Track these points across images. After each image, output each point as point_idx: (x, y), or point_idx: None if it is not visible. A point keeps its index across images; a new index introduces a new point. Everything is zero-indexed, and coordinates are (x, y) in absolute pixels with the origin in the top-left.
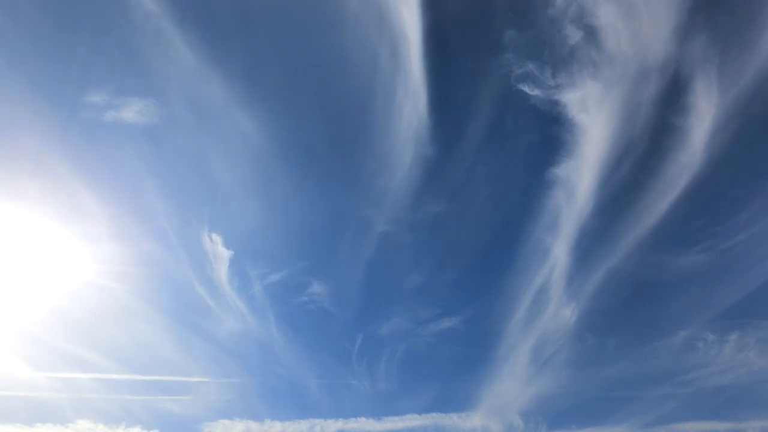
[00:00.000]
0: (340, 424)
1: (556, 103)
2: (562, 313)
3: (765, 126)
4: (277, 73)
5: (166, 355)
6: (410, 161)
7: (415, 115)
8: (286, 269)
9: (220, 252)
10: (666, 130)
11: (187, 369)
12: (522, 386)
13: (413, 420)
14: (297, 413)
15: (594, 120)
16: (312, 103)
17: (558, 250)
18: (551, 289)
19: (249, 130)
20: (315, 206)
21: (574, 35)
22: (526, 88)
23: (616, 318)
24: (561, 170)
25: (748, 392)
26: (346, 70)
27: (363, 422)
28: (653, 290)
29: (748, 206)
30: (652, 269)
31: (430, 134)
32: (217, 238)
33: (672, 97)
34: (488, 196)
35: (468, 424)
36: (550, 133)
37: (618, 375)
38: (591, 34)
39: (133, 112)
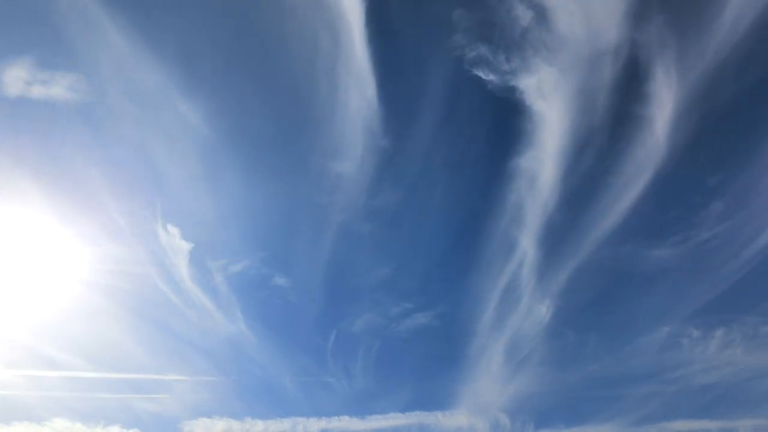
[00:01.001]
0: (323, 423)
1: (513, 90)
2: (537, 308)
3: (728, 113)
4: (216, 62)
5: (136, 354)
6: (362, 150)
7: (363, 102)
8: (246, 261)
9: (178, 245)
10: (627, 119)
11: (159, 367)
12: (504, 384)
13: (397, 419)
14: (277, 412)
15: (552, 108)
16: (255, 93)
17: (525, 242)
18: (523, 283)
19: (194, 121)
20: (268, 196)
21: (525, 16)
22: (480, 73)
23: (595, 313)
24: (522, 160)
25: (735, 390)
26: (287, 57)
27: (346, 421)
28: (631, 285)
29: (722, 196)
30: (626, 263)
31: (382, 122)
32: (174, 230)
33: (630, 84)
34: (448, 186)
35: (453, 423)
36: (509, 121)
37: (602, 373)
38: (542, 15)
39: (62, 87)
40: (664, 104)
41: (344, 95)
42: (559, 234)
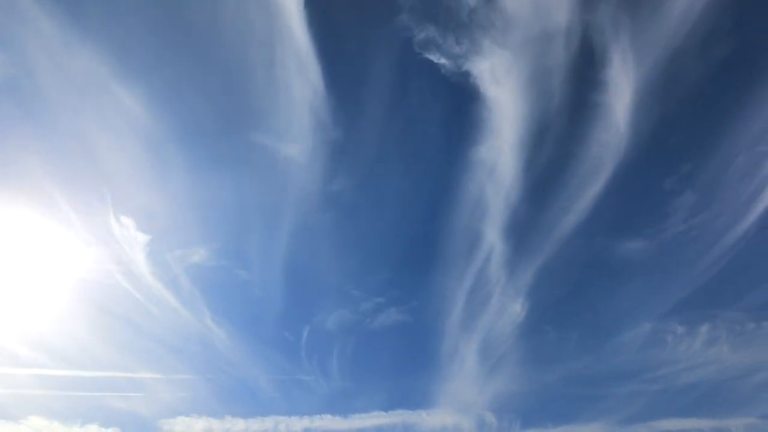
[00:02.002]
0: (305, 422)
1: (466, 75)
2: (511, 305)
3: (690, 99)
4: (154, 50)
5: (104, 352)
6: (313, 139)
7: (309, 89)
8: (203, 252)
9: (134, 237)
10: (585, 106)
11: (129, 365)
12: (486, 381)
13: (380, 417)
14: (255, 410)
15: (507, 94)
16: (195, 82)
17: (491, 234)
18: (493, 278)
19: (135, 111)
20: (218, 186)
21: None
22: (432, 57)
23: (574, 309)
24: (480, 150)
25: (723, 389)
26: (224, 43)
27: (329, 420)
28: (608, 279)
29: (693, 186)
30: (600, 256)
31: (331, 110)
32: (128, 222)
33: (586, 70)
34: (405, 175)
35: (438, 421)
36: (464, 108)
37: (587, 371)
38: None
39: None
40: (622, 91)
41: (287, 83)
42: (525, 226)
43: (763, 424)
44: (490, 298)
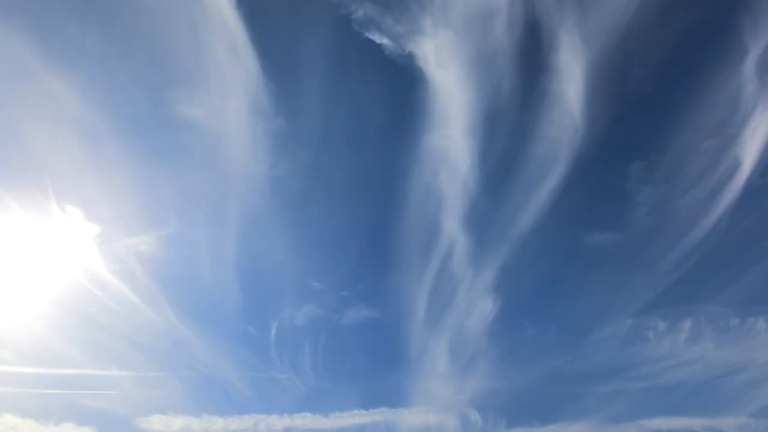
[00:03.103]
0: (286, 420)
1: (411, 57)
2: (482, 299)
3: (645, 83)
4: (85, 40)
5: (69, 349)
6: (254, 129)
7: (243, 74)
8: (155, 243)
9: (82, 227)
10: (536, 93)
11: (98, 363)
12: (466, 379)
13: (362, 416)
14: (233, 408)
15: (454, 79)
16: (126, 70)
17: (450, 226)
18: (458, 271)
19: (70, 101)
20: (159, 174)
21: None
22: (373, 37)
23: (550, 304)
24: (433, 138)
25: (709, 388)
26: (152, 30)
27: (310, 418)
28: (581, 273)
29: (658, 175)
30: (568, 249)
31: (271, 96)
32: (74, 212)
33: (533, 55)
34: (354, 165)
35: (421, 420)
36: (411, 93)
37: (570, 368)
38: None
39: None
40: (573, 76)
41: (220, 68)
42: (485, 217)
43: (755, 423)
44: (457, 292)
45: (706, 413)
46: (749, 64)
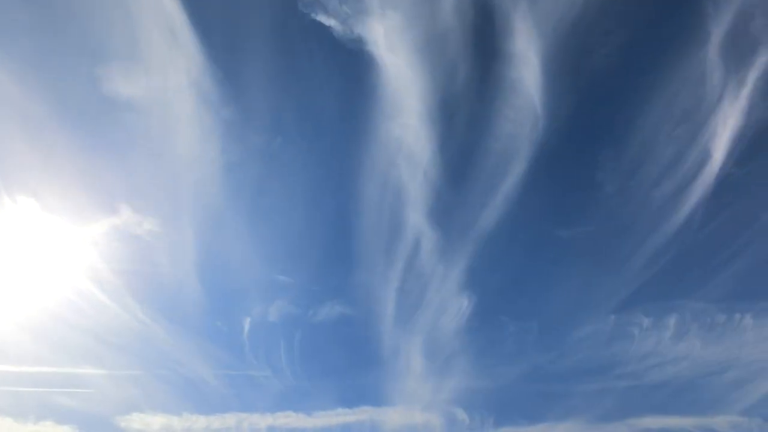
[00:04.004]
0: (269, 419)
1: (360, 41)
2: (457, 297)
3: (607, 68)
4: (14, 24)
5: (39, 347)
6: (202, 122)
7: (183, 57)
8: (107, 230)
9: (38, 218)
10: (492, 80)
11: (70, 361)
12: (450, 377)
13: (346, 415)
14: (212, 407)
15: (407, 65)
16: (60, 60)
17: (414, 218)
18: (428, 266)
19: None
20: (107, 163)
21: None
22: (319, 18)
23: (530, 300)
24: (390, 127)
25: (697, 386)
26: (85, 17)
27: (293, 417)
28: (557, 267)
29: (627, 165)
30: (541, 242)
31: (217, 85)
32: (27, 202)
33: (487, 39)
34: (310, 155)
35: (406, 418)
36: (364, 80)
37: (555, 367)
38: None
39: None
40: (530, 63)
41: (159, 56)
42: (451, 209)
43: (749, 422)
44: (430, 288)
45: (696, 412)
46: (713, 50)
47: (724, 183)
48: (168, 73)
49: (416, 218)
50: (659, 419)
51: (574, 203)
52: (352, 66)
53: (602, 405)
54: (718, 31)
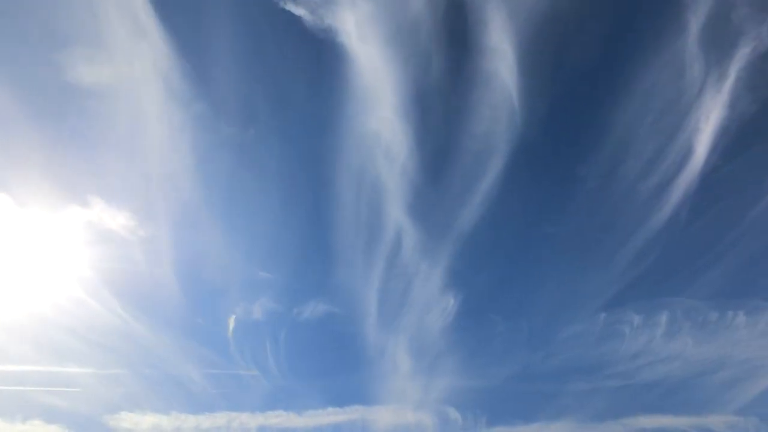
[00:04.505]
0: (259, 419)
1: (331, 31)
2: (446, 294)
3: (586, 61)
4: None
5: (22, 345)
6: (170, 116)
7: (151, 52)
8: (84, 226)
9: (9, 212)
10: (467, 73)
11: (54, 360)
12: (440, 376)
13: (336, 414)
14: (201, 406)
15: (379, 55)
16: (16, 41)
17: (395, 215)
18: (411, 263)
19: None
20: (78, 152)
21: None
22: (289, 7)
23: (516, 298)
24: (365, 120)
25: (690, 386)
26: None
27: (284, 416)
28: (543, 264)
29: (608, 160)
30: (526, 239)
31: (186, 79)
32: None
33: (460, 31)
34: (286, 149)
35: (398, 417)
36: (337, 71)
37: (546, 366)
38: None
39: None
40: (505, 56)
41: (126, 49)
42: (432, 206)
43: (744, 421)
44: (415, 286)
45: (691, 411)
46: (692, 41)
47: (711, 178)
48: (133, 61)
49: (397, 215)
50: (654, 419)
51: (556, 198)
52: (324, 57)
53: (595, 404)
54: (696, 21)
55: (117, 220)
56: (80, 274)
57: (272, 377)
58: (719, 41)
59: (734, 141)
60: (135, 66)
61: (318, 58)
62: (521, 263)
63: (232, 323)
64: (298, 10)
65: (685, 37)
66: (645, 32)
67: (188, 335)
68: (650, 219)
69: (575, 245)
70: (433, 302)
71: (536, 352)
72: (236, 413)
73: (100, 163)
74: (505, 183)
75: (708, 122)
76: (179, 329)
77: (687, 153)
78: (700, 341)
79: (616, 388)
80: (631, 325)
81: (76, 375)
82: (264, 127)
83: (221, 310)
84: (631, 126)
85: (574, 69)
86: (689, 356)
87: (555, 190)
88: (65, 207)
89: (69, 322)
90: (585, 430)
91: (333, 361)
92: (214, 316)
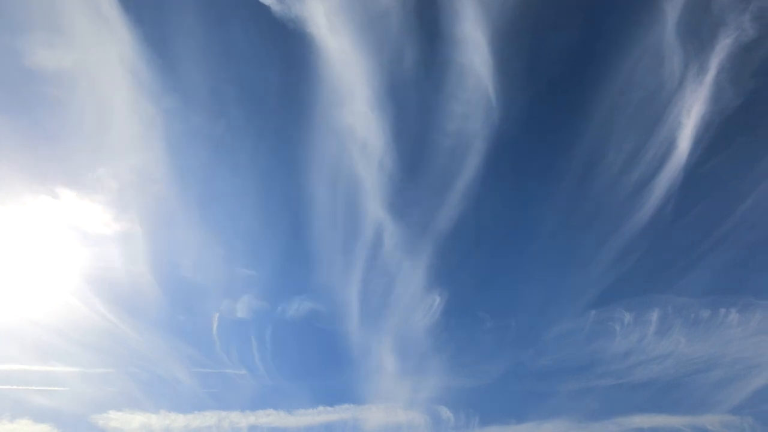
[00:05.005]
0: (250, 418)
1: (300, 21)
2: (431, 293)
3: (553, 55)
4: None
5: (6, 347)
6: (136, 111)
7: (116, 43)
8: (60, 223)
9: None
10: (442, 66)
11: (40, 359)
12: (429, 376)
13: (327, 413)
14: (190, 405)
15: (351, 47)
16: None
17: (375, 213)
18: (392, 261)
19: None
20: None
21: None
22: None
23: (503, 296)
24: (339, 114)
25: (685, 384)
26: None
27: (274, 415)
28: (528, 260)
29: (591, 148)
30: (508, 235)
31: (154, 70)
32: None
33: (432, 22)
34: (258, 142)
35: (390, 417)
36: (307, 63)
37: (537, 365)
38: None
39: None
40: (479, 48)
41: (90, 37)
42: (412, 203)
43: (740, 420)
44: (396, 283)
45: (685, 410)
46: (670, 31)
47: (696, 173)
48: (97, 50)
49: (377, 212)
50: (649, 418)
51: (538, 193)
52: (294, 48)
53: (589, 403)
54: (674, 10)
55: (90, 213)
56: (56, 270)
57: (260, 376)
58: (698, 32)
59: (718, 135)
60: (99, 55)
61: (288, 48)
62: (506, 260)
63: (216, 321)
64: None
65: (662, 27)
66: (621, 22)
67: (172, 334)
68: (634, 214)
69: (559, 240)
70: (419, 300)
71: (527, 350)
72: (226, 412)
73: (69, 153)
74: (485, 178)
75: (690, 117)
76: (163, 328)
77: (670, 147)
78: (693, 339)
79: (609, 387)
80: (622, 322)
81: (62, 374)
82: (236, 121)
83: (204, 308)
84: (610, 120)
85: (549, 60)
86: (682, 355)
87: (536, 184)
88: (34, 199)
89: (51, 321)
90: (579, 429)
91: (321, 360)
92: (197, 314)
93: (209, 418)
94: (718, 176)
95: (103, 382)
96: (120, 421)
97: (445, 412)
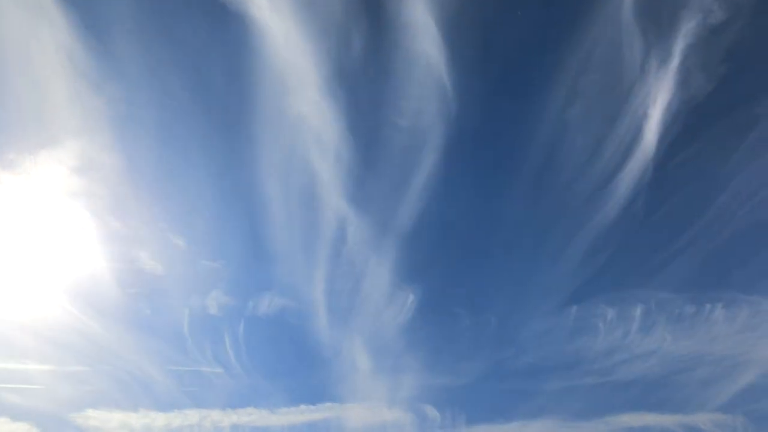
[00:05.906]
0: (232, 417)
1: (240, 2)
2: (403, 289)
3: (506, 41)
4: None
5: None
6: (73, 103)
7: (48, 27)
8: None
9: None
10: (392, 52)
11: (11, 357)
12: (412, 373)
13: (310, 412)
14: (169, 404)
15: (295, 30)
16: None
17: (335, 203)
18: (359, 256)
19: None
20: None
21: None
22: None
23: (479, 292)
24: (288, 101)
25: (672, 382)
26: None
27: (256, 414)
28: (501, 255)
29: (549, 143)
30: (481, 228)
31: (92, 55)
32: None
33: (380, 7)
34: (206, 131)
35: (375, 416)
36: (250, 48)
37: (520, 363)
38: None
39: None
40: (430, 34)
41: (26, 26)
42: (371, 194)
43: (732, 419)
44: (365, 278)
45: (674, 409)
46: (626, 12)
47: (668, 164)
48: (31, 36)
49: (339, 205)
50: (638, 416)
51: (502, 184)
52: (237, 31)
53: (575, 402)
54: None
55: (40, 206)
56: (11, 265)
57: (237, 374)
58: (659, 15)
59: (690, 124)
60: (34, 43)
61: (230, 31)
62: (475, 255)
63: (186, 318)
64: None
65: (618, 10)
66: (577, 4)
67: (142, 331)
68: (603, 207)
69: (527, 234)
70: (391, 297)
71: (508, 347)
72: (207, 411)
73: (7, 142)
74: (446, 169)
75: (655, 106)
76: (131, 325)
77: (636, 136)
78: (678, 337)
79: (595, 385)
80: (605, 319)
81: (35, 372)
82: (183, 109)
83: (173, 304)
84: (571, 108)
85: (502, 46)
86: (668, 352)
87: (499, 174)
88: None
89: (18, 317)
90: (567, 429)
91: (297, 358)
92: (166, 311)
93: (190, 416)
94: (692, 166)
95: (78, 380)
96: (99, 420)
97: (431, 411)
